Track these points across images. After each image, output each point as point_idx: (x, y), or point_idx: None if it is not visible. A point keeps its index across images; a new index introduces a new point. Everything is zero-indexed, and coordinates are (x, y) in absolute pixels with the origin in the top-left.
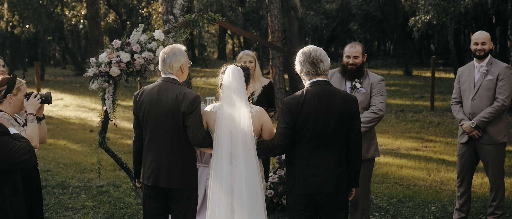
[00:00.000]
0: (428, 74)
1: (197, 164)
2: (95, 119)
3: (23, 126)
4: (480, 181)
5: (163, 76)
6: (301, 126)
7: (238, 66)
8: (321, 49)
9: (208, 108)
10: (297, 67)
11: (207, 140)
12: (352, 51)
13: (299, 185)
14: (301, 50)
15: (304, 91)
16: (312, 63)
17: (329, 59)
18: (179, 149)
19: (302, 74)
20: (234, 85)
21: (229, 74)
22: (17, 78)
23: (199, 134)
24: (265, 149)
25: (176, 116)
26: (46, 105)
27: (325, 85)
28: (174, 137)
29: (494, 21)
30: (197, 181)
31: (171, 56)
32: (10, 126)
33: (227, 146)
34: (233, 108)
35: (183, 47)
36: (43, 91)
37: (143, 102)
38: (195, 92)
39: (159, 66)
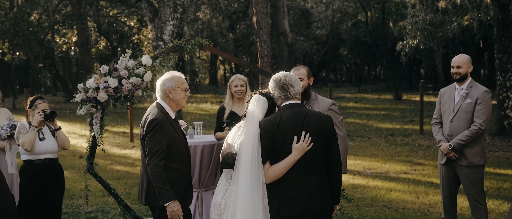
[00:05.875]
0: (418, 98)
1: (194, 190)
2: (84, 145)
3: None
4: (468, 203)
5: None
6: (279, 149)
7: (262, 94)
8: (291, 74)
9: (235, 131)
10: (271, 93)
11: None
12: (297, 73)
13: (283, 209)
14: (272, 77)
15: (279, 113)
16: (282, 88)
17: (301, 83)
18: (145, 169)
19: (275, 99)
20: (258, 113)
21: (253, 103)
22: (39, 100)
23: (146, 159)
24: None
25: (141, 136)
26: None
27: (298, 107)
28: (143, 157)
29: (481, 46)
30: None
31: (158, 82)
32: (22, 132)
33: (247, 171)
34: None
35: (176, 73)
36: (49, 110)
37: None
38: (154, 117)
39: None
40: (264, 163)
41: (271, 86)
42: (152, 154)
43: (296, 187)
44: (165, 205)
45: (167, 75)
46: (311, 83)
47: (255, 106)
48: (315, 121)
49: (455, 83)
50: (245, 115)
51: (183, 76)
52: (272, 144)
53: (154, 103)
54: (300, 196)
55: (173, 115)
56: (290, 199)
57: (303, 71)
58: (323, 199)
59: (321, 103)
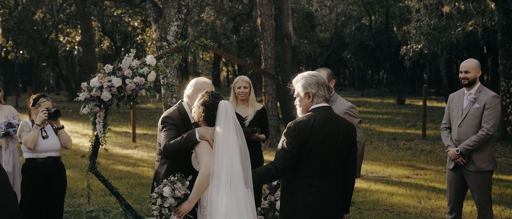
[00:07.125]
0: (420, 103)
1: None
2: (87, 144)
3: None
4: (470, 209)
5: None
6: (308, 152)
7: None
8: (319, 74)
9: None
10: (311, 89)
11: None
12: None
13: (299, 212)
14: (310, 74)
15: (312, 116)
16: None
17: None
18: (158, 165)
19: (314, 97)
20: (230, 113)
21: (225, 112)
22: (42, 98)
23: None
24: (264, 173)
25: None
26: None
27: (330, 111)
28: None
29: (485, 51)
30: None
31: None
32: (24, 130)
33: (227, 172)
34: (231, 134)
35: (200, 80)
36: (53, 108)
37: None
38: (166, 114)
39: None
40: (287, 171)
41: (316, 82)
42: (164, 143)
43: (315, 191)
44: (198, 136)
45: (193, 80)
46: (332, 86)
47: (229, 113)
48: (344, 128)
49: (464, 88)
50: (207, 115)
51: (209, 83)
52: (301, 147)
53: (178, 102)
54: (318, 201)
55: (193, 119)
56: (307, 203)
57: (325, 73)
58: (337, 206)
59: (339, 105)
